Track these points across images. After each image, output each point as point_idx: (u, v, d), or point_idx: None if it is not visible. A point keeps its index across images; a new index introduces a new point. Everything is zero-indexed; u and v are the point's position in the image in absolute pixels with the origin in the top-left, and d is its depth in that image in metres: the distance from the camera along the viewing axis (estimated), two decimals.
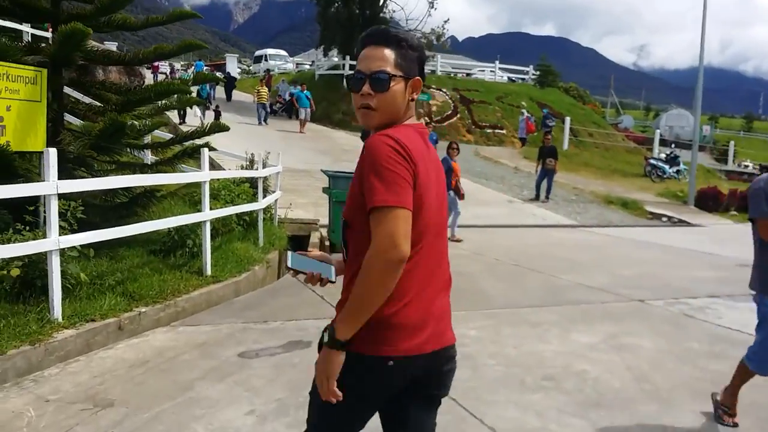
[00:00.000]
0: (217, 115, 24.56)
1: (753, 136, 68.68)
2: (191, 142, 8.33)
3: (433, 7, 31.04)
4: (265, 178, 10.41)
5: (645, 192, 20.43)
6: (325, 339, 1.86)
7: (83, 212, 5.79)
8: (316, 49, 32.90)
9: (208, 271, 6.70)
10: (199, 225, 6.78)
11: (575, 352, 5.22)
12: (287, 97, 29.72)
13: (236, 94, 36.94)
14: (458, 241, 10.80)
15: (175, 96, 7.71)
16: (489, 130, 30.33)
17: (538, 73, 40.07)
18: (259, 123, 25.03)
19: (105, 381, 4.24)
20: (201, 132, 7.54)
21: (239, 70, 50.44)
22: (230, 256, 7.48)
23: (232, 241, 8.12)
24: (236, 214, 8.40)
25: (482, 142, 29.25)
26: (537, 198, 17.16)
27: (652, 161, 25.04)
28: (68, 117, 8.58)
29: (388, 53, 2.02)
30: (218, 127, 7.59)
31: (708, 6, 20.26)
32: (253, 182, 10.44)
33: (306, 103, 25.62)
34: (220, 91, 34.04)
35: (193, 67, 40.93)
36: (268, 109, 25.89)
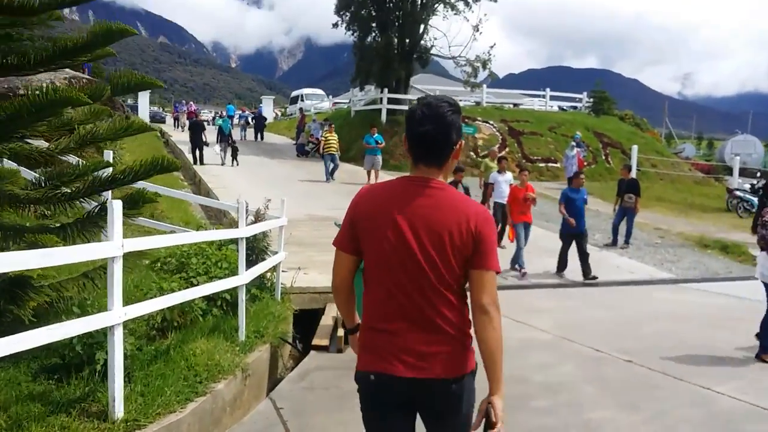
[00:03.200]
0: (234, 152, 22.58)
1: None
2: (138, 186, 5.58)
3: (478, 30, 28.36)
4: (258, 238, 7.69)
5: (739, 230, 17.00)
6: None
7: None
8: (351, 83, 30.47)
9: (119, 412, 3.86)
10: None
11: None
12: (320, 136, 27.36)
13: (271, 137, 35.02)
14: None
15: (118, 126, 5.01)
16: (542, 164, 27.36)
17: (591, 100, 37.05)
18: (327, 179, 20.53)
19: None
20: (128, 174, 4.76)
21: (276, 113, 48.75)
22: (175, 371, 4.65)
23: (191, 339, 5.30)
24: (201, 297, 5.62)
25: (534, 178, 26.18)
26: (614, 243, 14.05)
27: (738, 193, 21.56)
28: None
29: None
30: (157, 165, 4.80)
31: (757, 30, 17.02)
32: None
33: (377, 151, 20.31)
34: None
35: (224, 111, 39.44)
36: (337, 162, 21.02)
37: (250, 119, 35.94)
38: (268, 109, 45.81)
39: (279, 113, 49.85)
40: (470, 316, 2.29)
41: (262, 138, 33.16)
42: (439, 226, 2.24)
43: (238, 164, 22.50)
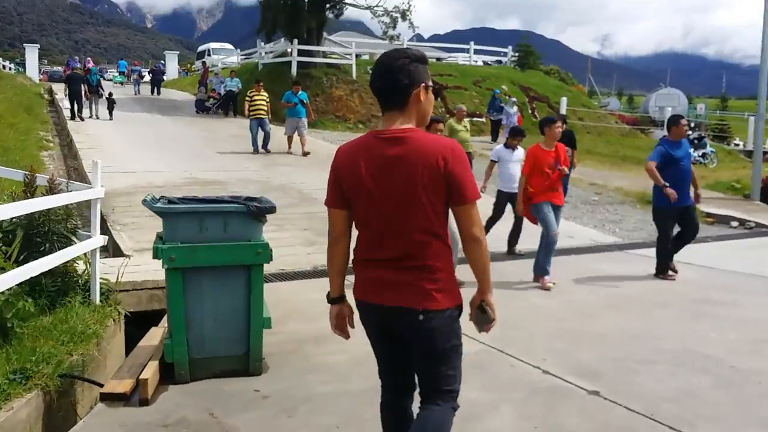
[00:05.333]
0: (111, 104, 20.83)
1: (729, 115, 65.02)
2: None
3: None
4: (54, 218, 5.27)
5: None
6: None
7: None
8: (256, 34, 27.47)
9: None
10: None
11: None
12: (222, 91, 24.50)
13: (172, 93, 31.81)
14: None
15: None
16: (467, 119, 25.45)
17: (516, 55, 35.52)
18: (255, 150, 16.27)
19: None
20: None
21: (180, 69, 44.92)
22: None
23: None
24: None
25: None
26: None
27: None
28: None
29: None
30: None
31: None
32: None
33: (301, 112, 16.24)
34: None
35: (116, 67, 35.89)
36: (268, 128, 16.49)
37: (144, 73, 32.56)
38: (173, 65, 42.10)
39: (185, 70, 46.02)
40: (446, 249, 2.49)
41: (158, 93, 30.16)
42: (411, 173, 2.36)
43: (112, 118, 20.82)
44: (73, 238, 5.38)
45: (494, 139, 22.57)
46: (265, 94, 16.88)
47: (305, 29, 25.32)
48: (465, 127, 12.49)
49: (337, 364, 4.47)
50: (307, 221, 9.59)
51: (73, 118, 19.96)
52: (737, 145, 36.09)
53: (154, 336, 4.92)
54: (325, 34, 27.65)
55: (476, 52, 34.02)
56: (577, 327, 5.27)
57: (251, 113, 16.51)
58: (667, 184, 6.87)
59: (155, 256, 3.90)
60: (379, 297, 2.47)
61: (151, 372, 3.98)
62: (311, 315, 5.65)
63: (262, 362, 4.32)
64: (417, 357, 2.52)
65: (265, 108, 16.51)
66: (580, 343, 4.85)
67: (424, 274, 2.41)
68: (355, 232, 2.61)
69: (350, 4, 26.77)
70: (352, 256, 2.60)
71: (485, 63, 35.71)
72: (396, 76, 2.41)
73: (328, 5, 26.14)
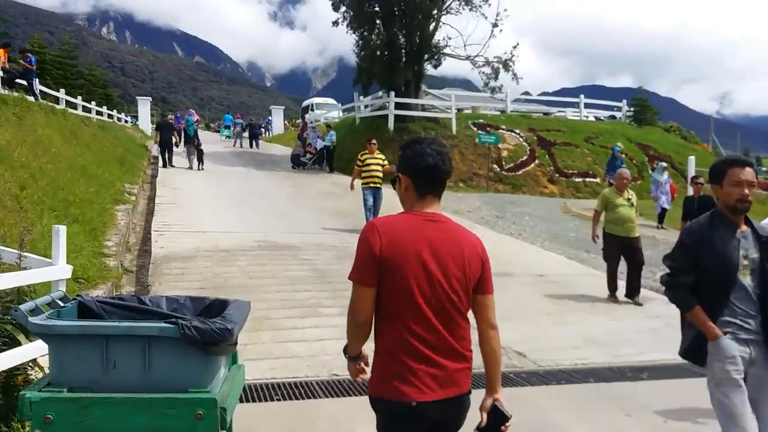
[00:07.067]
0: (200, 154, 21.07)
1: None
2: None
3: (497, 26, 24.38)
4: None
5: None
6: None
7: None
8: (353, 85, 26.51)
9: None
10: None
11: None
12: (318, 146, 23.60)
13: (274, 148, 31.53)
14: None
15: None
16: (578, 179, 23.24)
17: (632, 110, 32.82)
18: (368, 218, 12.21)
19: None
20: None
21: (286, 124, 45.12)
22: None
23: None
24: None
25: (570, 194, 22.18)
26: None
27: None
28: None
29: None
30: None
31: None
32: None
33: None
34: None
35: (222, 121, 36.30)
36: (380, 201, 12.66)
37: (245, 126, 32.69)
38: (278, 120, 42.35)
39: (291, 125, 46.34)
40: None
41: (256, 146, 29.88)
42: (460, 259, 2.38)
43: (203, 168, 21.14)
44: (21, 337, 3.84)
45: None
46: (381, 156, 12.89)
47: (402, 81, 24.20)
48: (629, 200, 8.90)
49: None
50: None
51: (164, 166, 20.28)
52: None
53: None
54: (424, 87, 26.38)
55: (587, 106, 31.61)
56: None
57: (363, 181, 12.66)
58: None
59: (21, 414, 2.23)
60: (443, 391, 2.36)
61: None
62: None
63: None
64: None
65: (380, 174, 12.50)
66: None
67: (468, 355, 2.46)
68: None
69: (449, 55, 25.41)
70: (385, 352, 2.41)
71: (597, 118, 33.16)
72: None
73: (426, 56, 24.91)
